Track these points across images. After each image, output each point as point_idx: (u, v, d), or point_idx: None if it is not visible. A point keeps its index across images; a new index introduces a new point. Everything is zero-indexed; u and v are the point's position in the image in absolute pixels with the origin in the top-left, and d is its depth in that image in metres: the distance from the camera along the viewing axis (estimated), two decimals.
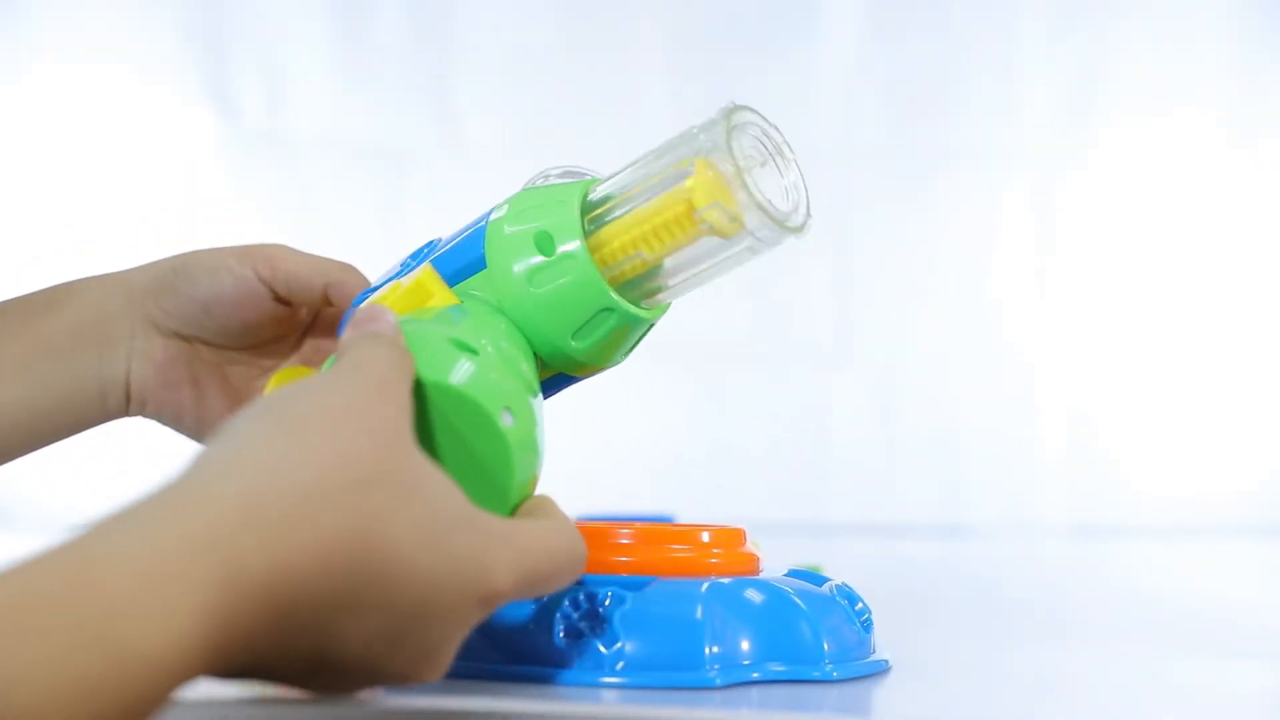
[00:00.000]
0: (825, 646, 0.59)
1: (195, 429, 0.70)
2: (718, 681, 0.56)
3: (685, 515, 1.03)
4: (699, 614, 0.58)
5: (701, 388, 1.87)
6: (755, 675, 0.58)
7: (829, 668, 0.59)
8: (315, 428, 0.45)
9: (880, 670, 0.62)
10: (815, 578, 0.64)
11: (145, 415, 0.70)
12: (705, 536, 0.63)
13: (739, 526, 0.65)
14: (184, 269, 0.67)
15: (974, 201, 1.90)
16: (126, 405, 0.69)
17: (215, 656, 0.40)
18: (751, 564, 0.64)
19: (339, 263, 0.68)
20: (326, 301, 0.68)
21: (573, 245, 0.57)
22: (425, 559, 0.45)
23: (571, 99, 1.87)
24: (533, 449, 0.54)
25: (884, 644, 0.64)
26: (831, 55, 1.90)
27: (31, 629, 0.36)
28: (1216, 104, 1.87)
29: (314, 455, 0.44)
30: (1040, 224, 1.89)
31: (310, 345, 0.72)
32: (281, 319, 0.70)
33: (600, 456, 1.83)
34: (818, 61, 1.90)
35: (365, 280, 0.67)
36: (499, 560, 0.47)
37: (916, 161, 1.89)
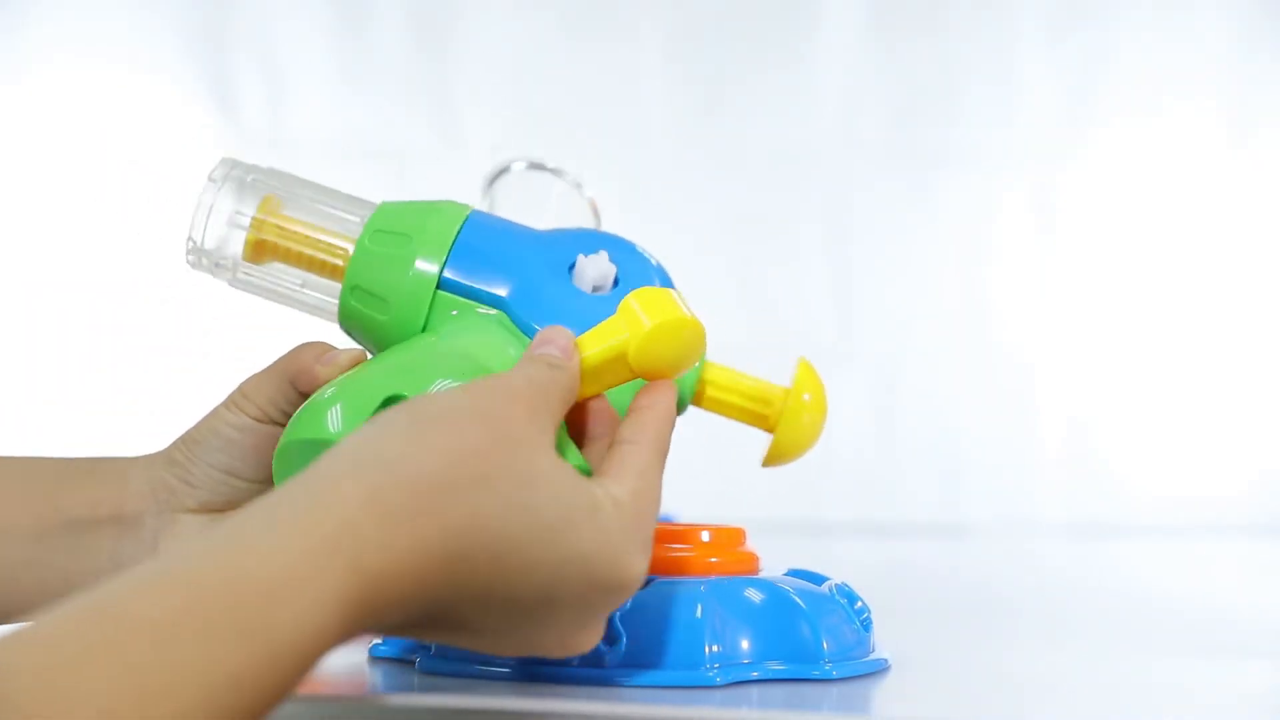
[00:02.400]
0: (825, 645, 0.59)
1: None
2: (717, 680, 0.57)
3: (685, 515, 1.03)
4: (699, 613, 0.58)
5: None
6: (755, 674, 0.58)
7: (828, 667, 0.59)
8: (440, 426, 0.47)
9: (879, 669, 0.62)
10: (815, 577, 0.64)
11: None
12: (705, 536, 0.64)
13: (739, 526, 0.65)
14: (187, 442, 0.65)
15: (973, 201, 1.90)
16: None
17: (348, 639, 0.43)
18: (751, 563, 0.64)
19: (292, 354, 0.65)
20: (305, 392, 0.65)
21: None
22: (546, 555, 0.47)
23: (571, 99, 1.87)
24: None
25: (883, 643, 0.64)
26: (831, 55, 1.90)
27: (194, 626, 0.38)
28: (1215, 104, 1.87)
29: (434, 451, 0.46)
30: (1039, 224, 1.89)
31: None
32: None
33: None
34: (818, 61, 1.90)
35: (324, 347, 0.65)
36: (624, 551, 0.49)
37: (916, 161, 1.90)
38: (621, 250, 0.64)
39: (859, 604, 0.63)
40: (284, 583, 0.40)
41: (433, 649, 0.60)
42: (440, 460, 0.45)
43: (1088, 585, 1.21)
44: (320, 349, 0.63)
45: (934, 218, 1.90)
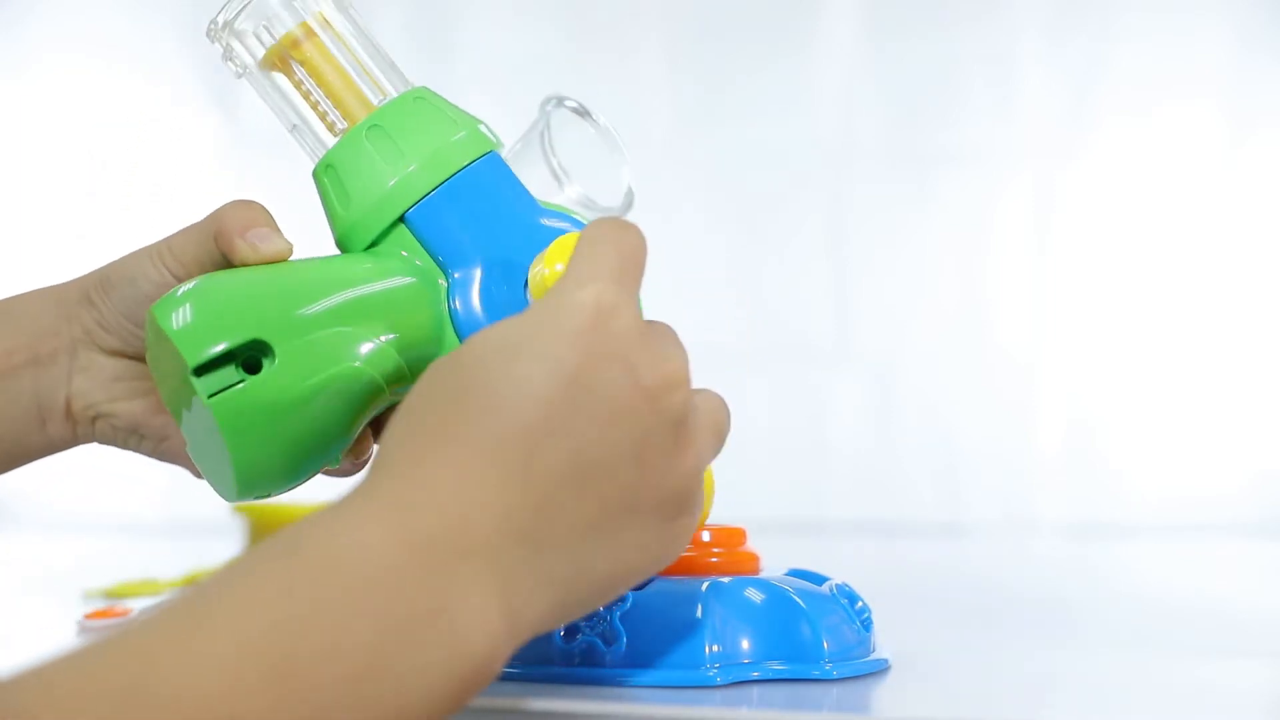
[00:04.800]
0: (825, 645, 0.59)
1: (156, 448, 0.67)
2: (718, 680, 0.57)
3: None
4: (699, 613, 0.58)
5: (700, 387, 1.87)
6: (755, 674, 0.58)
7: (829, 666, 0.59)
8: (431, 371, 0.49)
9: (880, 669, 0.62)
10: (815, 577, 0.64)
11: (98, 439, 0.67)
12: (705, 536, 0.64)
13: (739, 526, 0.65)
14: (104, 282, 0.64)
15: (973, 201, 1.90)
16: (73, 430, 0.66)
17: (442, 564, 0.42)
18: (752, 563, 0.64)
19: (221, 211, 0.62)
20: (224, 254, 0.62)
21: None
22: (519, 358, 0.46)
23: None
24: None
25: (884, 642, 0.64)
26: (831, 55, 1.90)
27: (239, 564, 0.41)
28: (1215, 104, 1.87)
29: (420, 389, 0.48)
30: (1038, 224, 1.89)
31: None
32: None
33: None
34: (817, 61, 1.90)
35: (255, 215, 0.62)
36: (564, 299, 0.48)
37: (916, 161, 1.89)
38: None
39: (859, 604, 0.63)
40: (322, 513, 0.43)
41: None
42: (414, 399, 0.47)
43: (1088, 585, 1.21)
44: (250, 216, 0.61)
45: (933, 218, 1.90)
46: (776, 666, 0.58)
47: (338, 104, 0.61)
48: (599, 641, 0.57)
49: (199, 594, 0.40)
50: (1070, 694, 0.62)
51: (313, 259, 0.60)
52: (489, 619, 0.42)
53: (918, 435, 1.88)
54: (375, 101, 0.61)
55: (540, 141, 0.67)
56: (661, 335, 0.50)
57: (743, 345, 1.87)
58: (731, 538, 0.64)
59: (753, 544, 0.65)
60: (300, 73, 0.61)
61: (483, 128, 0.61)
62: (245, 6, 0.61)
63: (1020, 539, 1.76)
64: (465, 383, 0.46)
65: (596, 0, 1.92)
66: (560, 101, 0.66)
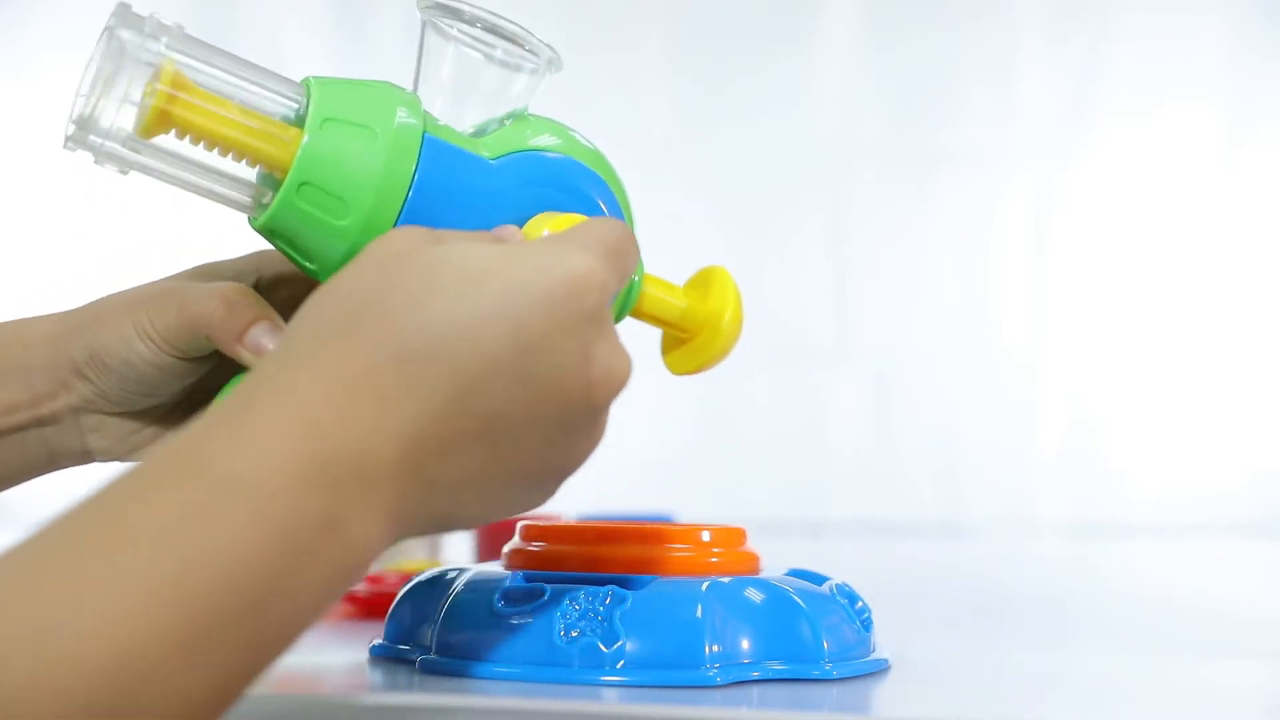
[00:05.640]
0: (825, 645, 0.59)
1: None
2: (718, 680, 0.57)
3: (685, 515, 1.03)
4: (699, 613, 0.58)
5: (701, 387, 1.87)
6: (755, 674, 0.58)
7: (829, 666, 0.59)
8: (320, 293, 0.46)
9: (880, 669, 0.62)
10: (815, 577, 0.64)
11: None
12: (705, 536, 0.63)
13: (739, 526, 0.65)
14: (96, 362, 0.60)
15: (972, 201, 1.90)
16: (92, 458, 0.64)
17: (346, 482, 0.42)
18: (751, 563, 0.64)
19: (206, 306, 0.58)
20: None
21: None
22: (482, 301, 0.45)
23: (571, 99, 1.87)
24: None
25: (884, 642, 0.64)
26: (831, 55, 1.90)
27: (145, 482, 0.40)
28: (1215, 104, 1.88)
29: (322, 307, 0.45)
30: (1038, 224, 1.89)
31: None
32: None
33: (600, 456, 1.83)
34: (817, 62, 1.90)
35: (246, 309, 0.58)
36: (548, 251, 0.47)
37: (915, 161, 1.90)
38: (585, 206, 0.58)
39: (859, 604, 0.63)
40: (221, 429, 0.41)
41: (433, 649, 0.60)
42: (331, 310, 0.45)
43: (1087, 585, 1.21)
44: (243, 314, 0.57)
45: (933, 218, 1.90)
46: (776, 666, 0.58)
47: (258, 131, 0.54)
48: (599, 641, 0.57)
49: (103, 518, 0.39)
50: (1070, 694, 0.62)
51: None
52: (375, 535, 0.43)
53: (918, 435, 1.88)
54: (292, 105, 0.55)
55: (422, 55, 0.60)
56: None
57: (743, 345, 1.86)
58: (731, 538, 0.64)
59: (753, 544, 0.65)
60: (197, 117, 0.53)
61: (400, 116, 0.55)
62: (97, 87, 0.53)
63: (1020, 539, 1.76)
64: (410, 302, 0.44)
65: (596, 0, 1.92)
66: (431, 6, 0.59)
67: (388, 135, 0.54)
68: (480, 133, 0.58)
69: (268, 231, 0.55)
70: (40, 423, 0.62)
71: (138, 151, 0.53)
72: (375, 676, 0.60)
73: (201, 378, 0.62)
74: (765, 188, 1.88)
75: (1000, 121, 1.89)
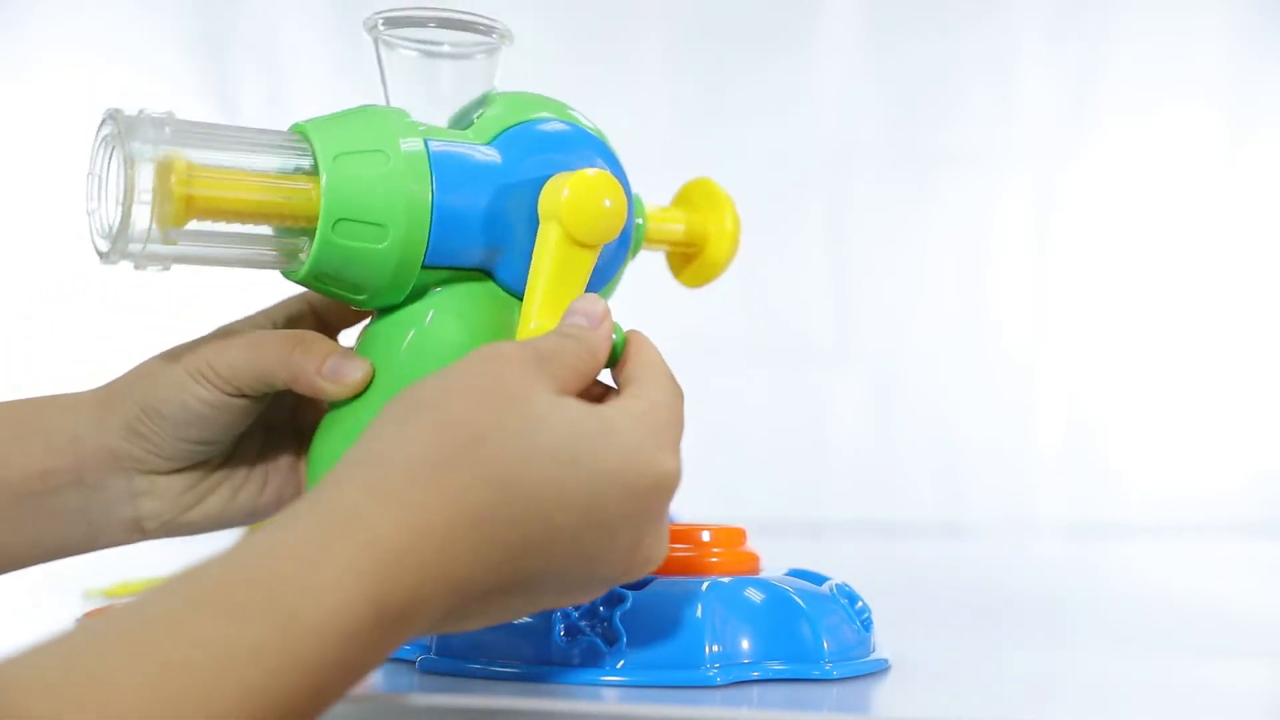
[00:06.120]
0: (825, 645, 0.59)
1: (246, 521, 0.65)
2: (718, 680, 0.57)
3: (685, 515, 1.03)
4: (699, 613, 0.58)
5: (701, 387, 1.87)
6: (755, 674, 0.58)
7: (829, 666, 0.59)
8: (426, 407, 0.47)
9: (880, 669, 0.62)
10: (815, 577, 0.64)
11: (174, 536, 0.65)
12: (705, 536, 0.64)
13: (739, 526, 0.65)
14: (151, 412, 0.60)
15: (972, 202, 1.90)
16: (142, 536, 0.64)
17: (392, 627, 0.43)
18: (752, 563, 0.64)
19: (279, 347, 0.59)
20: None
21: None
22: (573, 482, 0.47)
23: (571, 99, 1.87)
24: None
25: (883, 642, 0.64)
26: (830, 56, 1.90)
27: (213, 606, 0.40)
28: (1215, 104, 1.87)
29: (424, 430, 0.46)
30: (1038, 224, 1.89)
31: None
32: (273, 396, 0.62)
33: None
34: (817, 62, 1.90)
35: (321, 346, 0.59)
36: (651, 451, 0.49)
37: (915, 162, 1.90)
38: (584, 159, 0.60)
39: (859, 604, 0.63)
40: (297, 564, 0.41)
41: (433, 649, 0.60)
42: (431, 437, 0.46)
43: (1087, 585, 1.21)
44: (318, 350, 0.58)
45: (933, 218, 1.90)
46: (776, 666, 0.58)
47: (276, 187, 0.54)
48: (599, 641, 0.57)
49: (165, 630, 0.39)
50: (1070, 694, 0.62)
51: (402, 358, 0.58)
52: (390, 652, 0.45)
53: (918, 435, 1.88)
54: (294, 154, 0.55)
55: (382, 69, 0.62)
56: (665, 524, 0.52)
57: (743, 345, 1.87)
58: (731, 538, 0.64)
59: (753, 544, 0.65)
60: (217, 195, 0.54)
61: (402, 133, 0.57)
62: (116, 195, 0.53)
63: (1020, 539, 1.76)
64: (514, 455, 0.46)
65: (596, 0, 1.92)
66: (378, 24, 0.61)
67: (397, 154, 0.56)
68: (462, 121, 0.61)
69: (313, 278, 0.56)
70: (81, 484, 0.61)
71: (174, 243, 0.54)
72: (375, 676, 0.60)
73: (248, 428, 0.62)
74: (765, 188, 1.87)
75: (1000, 121, 1.89)
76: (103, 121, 0.55)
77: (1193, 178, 1.87)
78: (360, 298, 0.57)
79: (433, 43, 0.61)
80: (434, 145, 0.57)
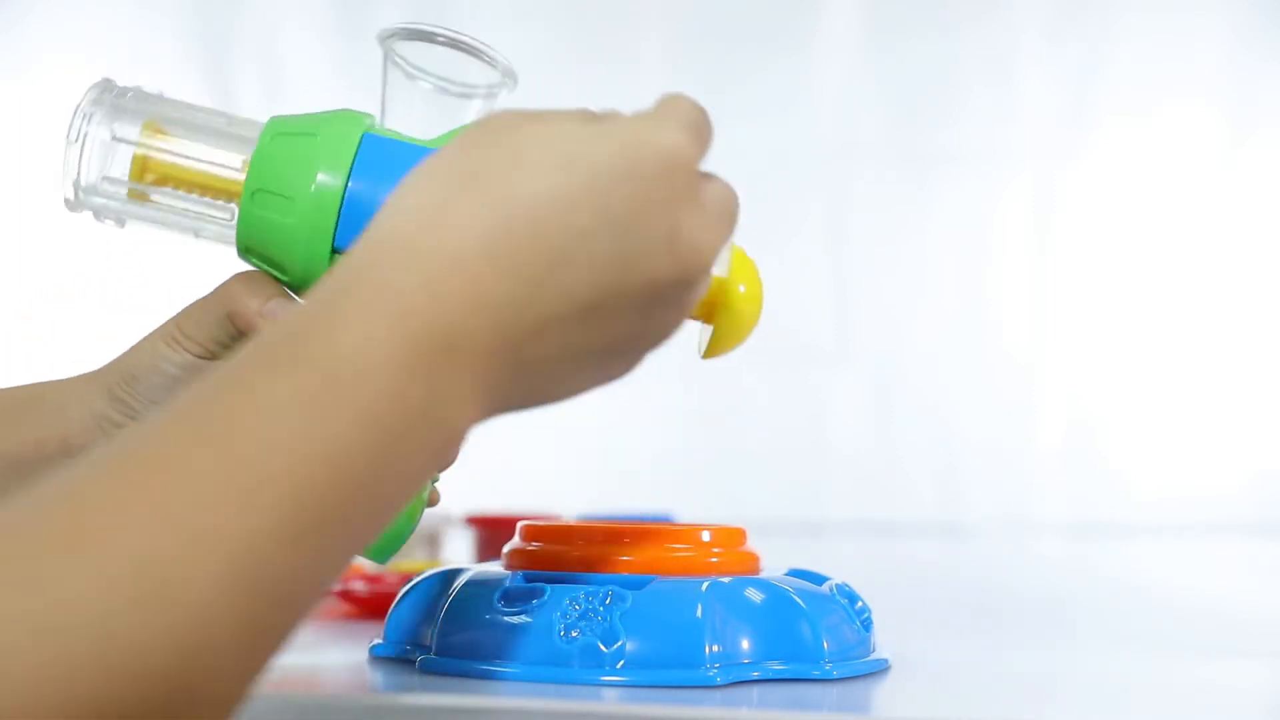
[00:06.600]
0: (825, 645, 0.59)
1: None
2: (718, 680, 0.57)
3: (685, 515, 1.03)
4: (699, 613, 0.58)
5: (701, 387, 1.87)
6: (755, 674, 0.58)
7: (829, 666, 0.59)
8: (418, 172, 0.46)
9: (880, 669, 0.62)
10: (815, 577, 0.64)
11: None
12: (705, 536, 0.63)
13: (739, 526, 0.65)
14: (127, 377, 0.62)
15: (972, 202, 1.90)
16: None
17: (440, 359, 0.42)
18: (751, 563, 0.64)
19: (227, 288, 0.61)
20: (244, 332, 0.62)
21: None
22: (567, 180, 0.45)
23: (571, 99, 1.87)
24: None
25: (883, 642, 0.64)
26: (831, 56, 1.90)
27: (241, 371, 0.40)
28: (1215, 104, 1.88)
29: (418, 186, 0.45)
30: (1037, 224, 1.89)
31: None
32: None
33: (600, 456, 1.83)
34: (817, 62, 1.90)
35: (263, 287, 0.61)
36: (642, 130, 0.48)
37: (915, 162, 1.90)
38: None
39: (859, 604, 0.63)
40: (317, 322, 0.41)
41: (433, 649, 0.60)
42: (424, 195, 0.45)
43: (1087, 584, 1.21)
44: (257, 289, 0.60)
45: (933, 218, 1.90)
46: (776, 666, 0.58)
47: (214, 191, 0.59)
48: (599, 641, 0.57)
49: (206, 410, 0.39)
50: (1070, 694, 0.62)
51: None
52: (469, 411, 0.43)
53: (918, 435, 1.88)
54: (253, 138, 0.59)
55: (385, 85, 0.63)
56: (714, 198, 0.50)
57: (743, 345, 1.87)
58: (731, 538, 0.64)
59: (753, 544, 0.65)
60: (176, 163, 0.58)
61: (341, 120, 0.59)
62: (82, 159, 0.58)
63: (1020, 539, 1.76)
64: (506, 173, 0.45)
65: (596, 0, 1.92)
66: (393, 34, 0.62)
67: (326, 136, 0.57)
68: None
69: (245, 249, 0.59)
70: (70, 454, 0.62)
71: (131, 198, 0.59)
72: (375, 676, 0.60)
73: None
74: (765, 188, 1.87)
75: (1000, 121, 1.89)
76: (93, 86, 0.59)
77: (1193, 178, 1.87)
78: (285, 278, 0.59)
79: (439, 78, 0.62)
80: (371, 135, 0.58)
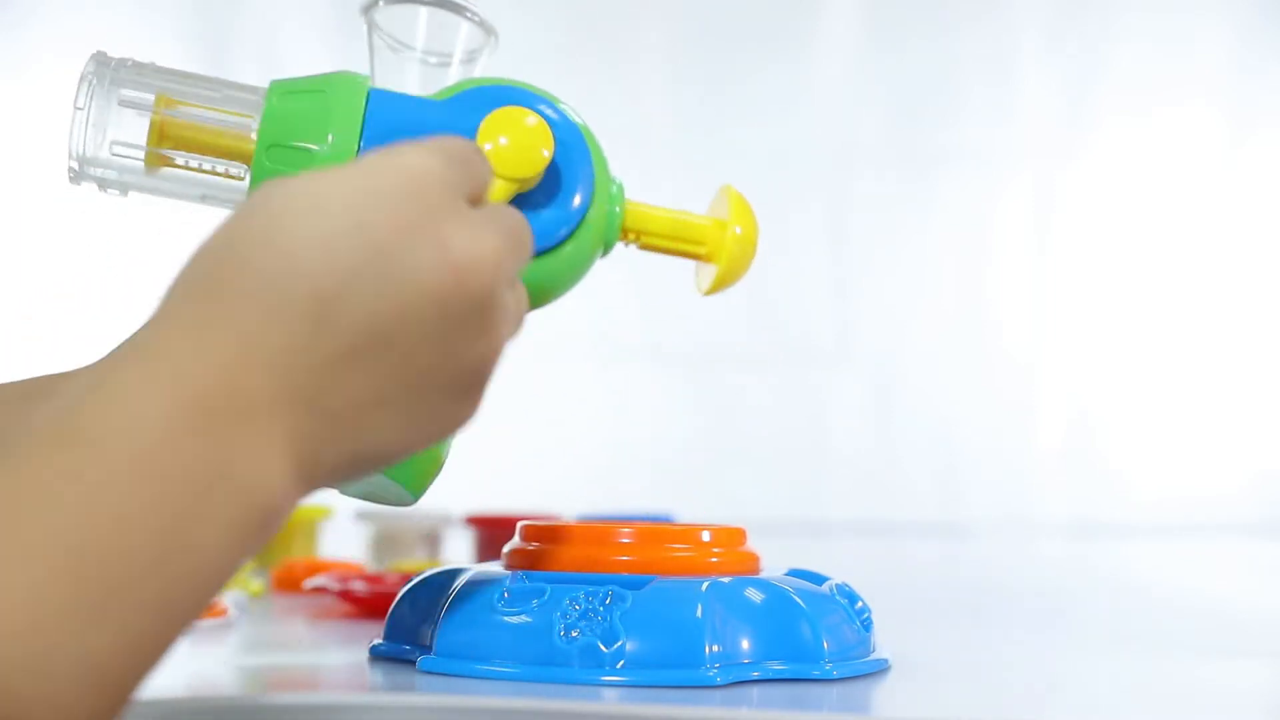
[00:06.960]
0: (825, 645, 0.59)
1: None
2: (718, 680, 0.57)
3: (685, 515, 1.03)
4: (699, 613, 0.58)
5: (701, 388, 1.87)
6: (755, 674, 0.58)
7: (829, 666, 0.59)
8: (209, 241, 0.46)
9: (880, 669, 0.62)
10: (815, 577, 0.64)
11: None
12: (705, 536, 0.63)
13: (739, 526, 0.65)
14: None
15: (972, 202, 1.90)
16: None
17: (224, 420, 0.41)
18: (751, 563, 0.64)
19: None
20: None
21: None
22: (335, 213, 0.44)
23: (572, 99, 1.87)
24: None
25: (884, 642, 0.64)
26: (831, 56, 1.90)
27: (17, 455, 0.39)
28: (1214, 105, 1.88)
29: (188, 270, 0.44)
30: (1037, 224, 1.89)
31: None
32: None
33: (600, 456, 1.83)
34: (818, 62, 1.90)
35: None
36: (388, 156, 0.47)
37: (915, 162, 1.90)
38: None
39: (859, 604, 0.63)
40: (89, 393, 0.40)
41: (433, 649, 0.60)
42: (205, 258, 0.44)
43: (1087, 584, 1.21)
44: None
45: (933, 218, 1.90)
46: (776, 666, 0.58)
47: (228, 153, 0.59)
48: (599, 641, 0.56)
49: None
50: (1070, 694, 0.62)
51: None
52: (275, 471, 0.42)
53: (918, 435, 1.88)
54: (256, 100, 0.59)
55: (372, 52, 0.64)
56: (485, 217, 0.48)
57: (744, 345, 1.87)
58: (731, 538, 0.64)
59: (753, 544, 0.65)
60: (188, 127, 0.59)
61: (346, 75, 0.59)
62: (89, 128, 0.58)
63: (1020, 538, 1.75)
64: (261, 234, 0.44)
65: (597, 0, 1.92)
66: (373, 3, 0.63)
67: (336, 89, 0.58)
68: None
69: None
70: None
71: (155, 166, 0.59)
72: (375, 676, 0.60)
73: None
74: (765, 188, 1.87)
75: (1000, 121, 1.89)
76: (92, 59, 0.59)
77: (1193, 178, 1.87)
78: None
79: (421, 49, 0.63)
80: (377, 90, 0.59)
